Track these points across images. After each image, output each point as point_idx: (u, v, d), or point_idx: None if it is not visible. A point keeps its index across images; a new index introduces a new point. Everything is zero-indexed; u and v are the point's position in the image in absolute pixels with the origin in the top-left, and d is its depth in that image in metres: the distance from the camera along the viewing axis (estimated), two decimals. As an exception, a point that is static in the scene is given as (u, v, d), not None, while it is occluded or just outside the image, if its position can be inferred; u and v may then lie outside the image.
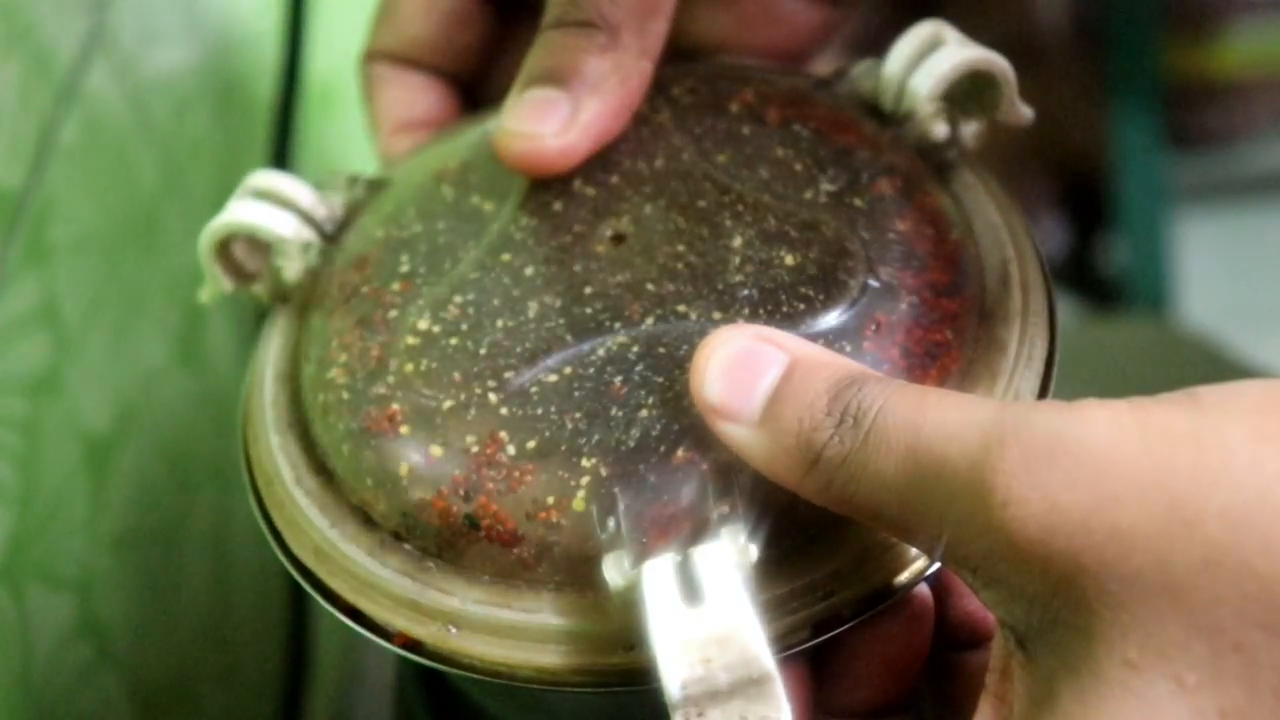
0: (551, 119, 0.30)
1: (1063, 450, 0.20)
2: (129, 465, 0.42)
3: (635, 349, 0.27)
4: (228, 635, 0.49)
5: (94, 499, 0.40)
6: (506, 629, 0.25)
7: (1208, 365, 0.70)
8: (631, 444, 0.25)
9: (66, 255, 0.39)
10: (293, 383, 0.30)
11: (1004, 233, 0.30)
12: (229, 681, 0.49)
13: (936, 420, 0.22)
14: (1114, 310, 1.44)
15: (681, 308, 0.27)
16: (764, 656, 0.22)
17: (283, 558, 0.28)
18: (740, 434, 0.24)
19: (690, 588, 0.23)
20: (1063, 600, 0.20)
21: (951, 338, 0.27)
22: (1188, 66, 1.42)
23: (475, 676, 0.26)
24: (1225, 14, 1.40)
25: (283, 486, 0.28)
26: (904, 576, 0.25)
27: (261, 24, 0.56)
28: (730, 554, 0.24)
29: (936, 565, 0.25)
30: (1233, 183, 1.46)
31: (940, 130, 0.31)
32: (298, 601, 0.52)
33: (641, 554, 0.24)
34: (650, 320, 0.27)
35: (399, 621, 0.26)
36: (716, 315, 0.27)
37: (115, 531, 0.41)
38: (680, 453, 0.25)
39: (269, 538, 0.29)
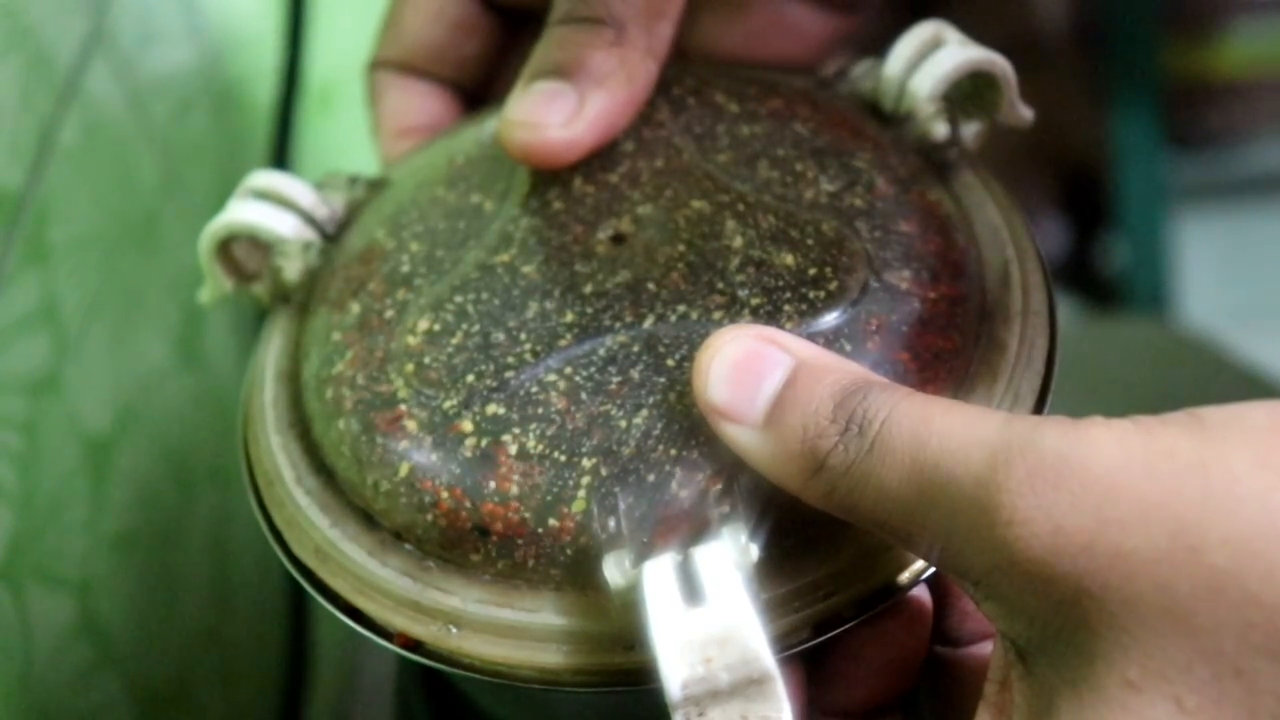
0: (557, 110, 0.30)
1: (1069, 472, 0.20)
2: (129, 465, 0.42)
3: (635, 349, 0.27)
4: (228, 635, 0.49)
5: (94, 499, 0.40)
6: (506, 629, 0.25)
7: (1207, 365, 0.70)
8: (632, 444, 0.25)
9: (66, 255, 0.39)
10: (293, 383, 0.30)
11: (1004, 233, 0.30)
12: (229, 682, 0.49)
13: (942, 434, 0.22)
14: (1114, 310, 1.44)
15: (682, 307, 0.27)
16: (765, 656, 0.22)
17: (283, 557, 0.28)
18: (743, 436, 0.24)
19: (691, 587, 0.23)
20: (1064, 619, 0.21)
21: (951, 338, 0.27)
22: (1188, 66, 1.42)
23: (475, 676, 0.26)
24: (1225, 14, 1.40)
25: (283, 486, 0.28)
26: (904, 577, 0.25)
27: (261, 24, 0.56)
28: (731, 554, 0.24)
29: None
30: (1233, 183, 1.46)
31: (941, 130, 0.31)
32: (298, 601, 0.52)
33: (642, 554, 0.24)
34: (650, 320, 0.27)
35: (399, 621, 0.26)
36: (717, 315, 0.27)
37: (115, 531, 0.41)
38: (680, 453, 0.25)
39: (269, 538, 0.29)
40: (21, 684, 0.35)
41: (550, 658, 0.25)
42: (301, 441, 0.29)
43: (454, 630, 0.26)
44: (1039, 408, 0.27)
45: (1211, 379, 0.69)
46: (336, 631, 0.59)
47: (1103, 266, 1.48)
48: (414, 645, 0.26)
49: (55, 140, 0.39)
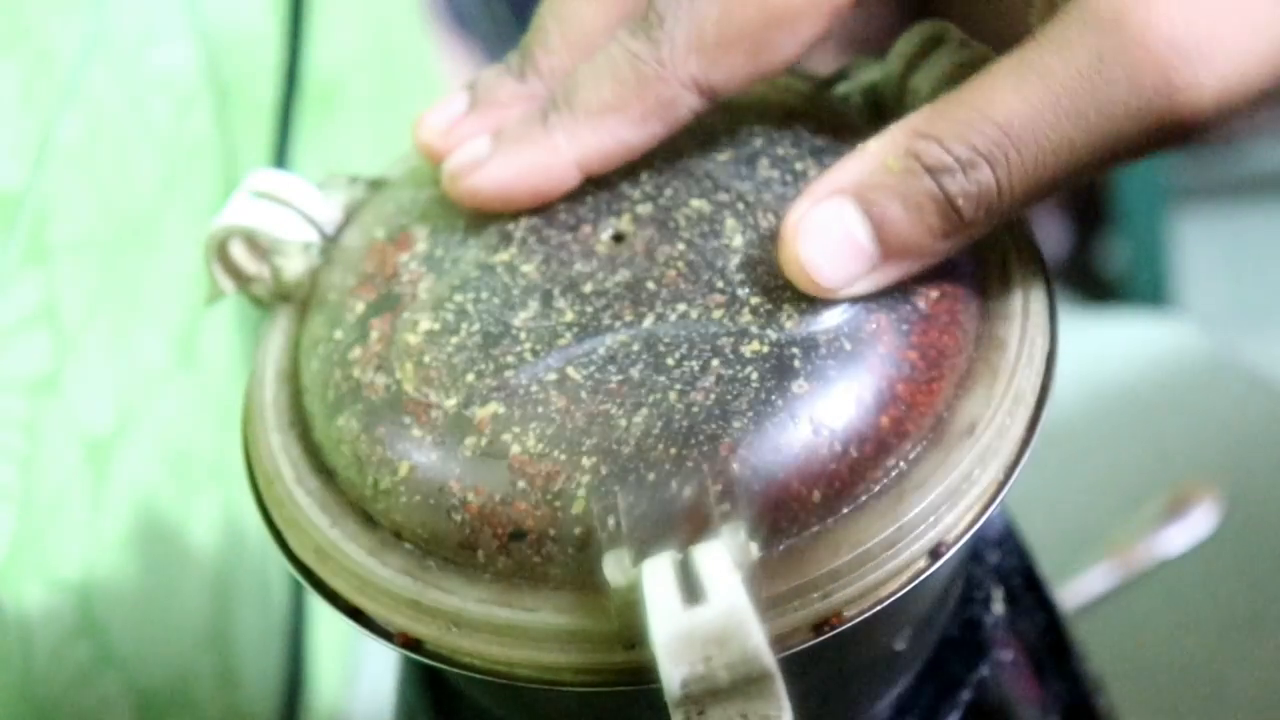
0: (468, 154, 0.30)
1: None
2: (129, 465, 0.42)
3: (635, 347, 0.27)
4: (228, 635, 0.49)
5: (94, 499, 0.40)
6: (506, 628, 0.25)
7: (1207, 365, 0.70)
8: (632, 443, 0.25)
9: (66, 255, 0.39)
10: (293, 382, 0.30)
11: (1003, 231, 0.30)
12: (229, 682, 0.49)
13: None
14: (1114, 310, 1.44)
15: (682, 306, 0.27)
16: (764, 655, 0.22)
17: (284, 557, 0.28)
18: (883, 276, 0.26)
19: (690, 586, 0.23)
20: None
21: (953, 336, 0.27)
22: (1188, 66, 1.42)
23: (476, 676, 0.26)
24: (1225, 14, 1.40)
25: (283, 486, 0.28)
26: (904, 577, 0.25)
27: (261, 24, 0.56)
28: (730, 552, 0.24)
29: (937, 565, 0.25)
30: (1233, 183, 1.46)
31: None
32: (298, 601, 0.52)
33: (642, 552, 0.24)
34: (650, 319, 0.27)
35: (399, 620, 0.26)
36: (717, 314, 0.27)
37: (115, 531, 0.41)
38: (680, 452, 0.25)
39: (270, 537, 0.29)
40: (21, 684, 0.35)
41: (550, 657, 0.25)
42: (302, 441, 0.29)
43: (454, 629, 0.26)
44: (1039, 407, 0.27)
45: (1211, 379, 0.69)
46: (336, 631, 0.59)
47: (1103, 266, 1.48)
48: (414, 644, 0.26)
49: (55, 140, 0.39)
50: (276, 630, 0.53)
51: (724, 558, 0.24)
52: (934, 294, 0.27)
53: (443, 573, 0.26)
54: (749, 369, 0.26)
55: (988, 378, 0.27)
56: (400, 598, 0.26)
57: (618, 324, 0.27)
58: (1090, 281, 1.47)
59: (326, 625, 0.56)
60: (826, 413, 0.25)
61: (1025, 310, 0.28)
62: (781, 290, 0.27)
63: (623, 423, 0.26)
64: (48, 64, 0.39)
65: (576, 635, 0.25)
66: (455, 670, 0.26)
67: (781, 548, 0.25)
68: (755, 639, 0.23)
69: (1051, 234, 1.45)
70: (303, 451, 0.29)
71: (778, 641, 0.24)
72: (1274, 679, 0.51)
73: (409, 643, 0.26)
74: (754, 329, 0.27)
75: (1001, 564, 0.35)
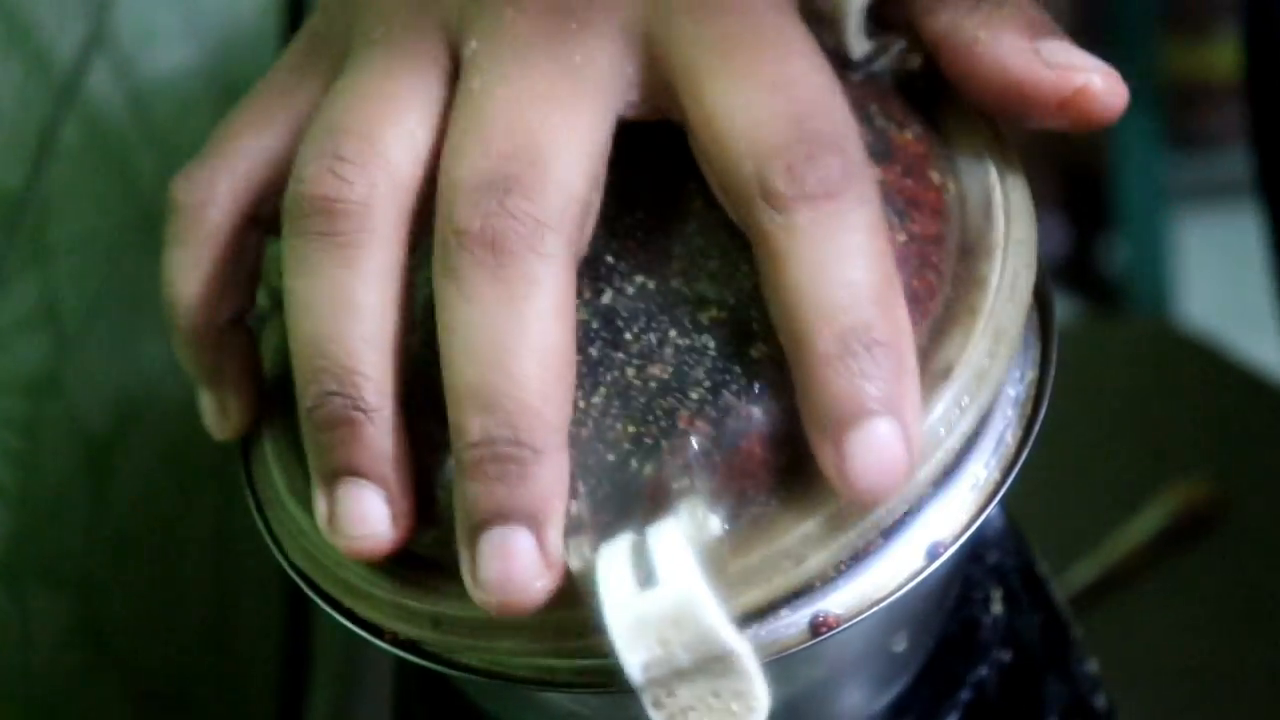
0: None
1: None
2: (129, 465, 0.42)
3: (594, 325, 0.26)
4: (228, 635, 0.49)
5: (94, 499, 0.40)
6: (500, 627, 0.25)
7: (1207, 365, 0.71)
8: (590, 424, 0.25)
9: (66, 255, 0.39)
10: (287, 388, 0.30)
11: (988, 162, 0.28)
12: (229, 681, 0.49)
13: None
14: (1114, 310, 1.44)
15: (640, 278, 0.26)
16: (721, 633, 0.22)
17: (281, 560, 0.28)
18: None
19: (645, 568, 0.23)
20: None
21: (925, 279, 0.26)
22: (1188, 66, 1.42)
23: (472, 677, 0.26)
24: (1225, 14, 1.40)
25: (276, 490, 0.28)
26: (901, 577, 0.25)
27: (261, 24, 0.56)
28: (686, 529, 0.23)
29: (934, 566, 0.25)
30: (1233, 183, 1.46)
31: (915, 61, 0.29)
32: (298, 601, 0.52)
33: (601, 536, 0.24)
34: (609, 294, 0.26)
35: (394, 623, 0.26)
36: (675, 282, 0.26)
37: (115, 532, 0.41)
38: (638, 430, 0.25)
39: (267, 540, 0.29)
40: (21, 684, 0.35)
41: (546, 657, 0.25)
42: (297, 446, 0.29)
43: (449, 630, 0.26)
44: (1037, 409, 0.27)
45: (1211, 379, 0.70)
46: (336, 631, 0.59)
47: (1103, 266, 1.48)
48: (410, 646, 0.26)
49: (55, 140, 0.39)
50: (276, 630, 0.53)
51: (676, 536, 0.23)
52: (901, 238, 0.26)
53: (438, 573, 0.26)
54: (705, 336, 0.25)
55: (967, 317, 0.26)
56: (395, 600, 0.26)
57: (576, 302, 0.26)
58: (1090, 282, 1.47)
59: (326, 625, 0.56)
60: (787, 371, 0.24)
61: (1007, 242, 0.27)
62: (742, 252, 0.26)
63: (580, 404, 0.25)
64: (48, 64, 0.39)
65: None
66: (452, 671, 0.26)
67: (749, 517, 0.25)
68: (710, 618, 0.22)
69: (1051, 234, 1.45)
70: (297, 455, 0.29)
71: (774, 645, 0.24)
72: (1274, 679, 0.51)
73: (405, 645, 0.26)
74: (711, 294, 0.26)
75: (1001, 564, 0.35)
